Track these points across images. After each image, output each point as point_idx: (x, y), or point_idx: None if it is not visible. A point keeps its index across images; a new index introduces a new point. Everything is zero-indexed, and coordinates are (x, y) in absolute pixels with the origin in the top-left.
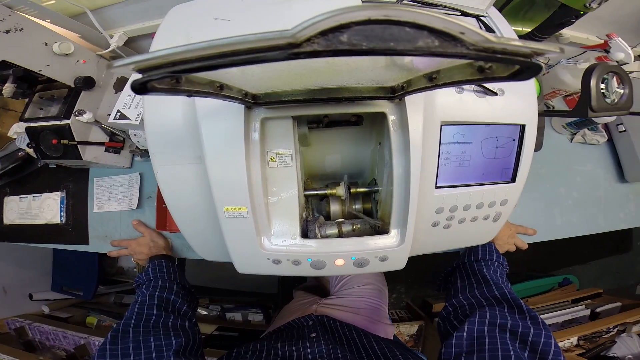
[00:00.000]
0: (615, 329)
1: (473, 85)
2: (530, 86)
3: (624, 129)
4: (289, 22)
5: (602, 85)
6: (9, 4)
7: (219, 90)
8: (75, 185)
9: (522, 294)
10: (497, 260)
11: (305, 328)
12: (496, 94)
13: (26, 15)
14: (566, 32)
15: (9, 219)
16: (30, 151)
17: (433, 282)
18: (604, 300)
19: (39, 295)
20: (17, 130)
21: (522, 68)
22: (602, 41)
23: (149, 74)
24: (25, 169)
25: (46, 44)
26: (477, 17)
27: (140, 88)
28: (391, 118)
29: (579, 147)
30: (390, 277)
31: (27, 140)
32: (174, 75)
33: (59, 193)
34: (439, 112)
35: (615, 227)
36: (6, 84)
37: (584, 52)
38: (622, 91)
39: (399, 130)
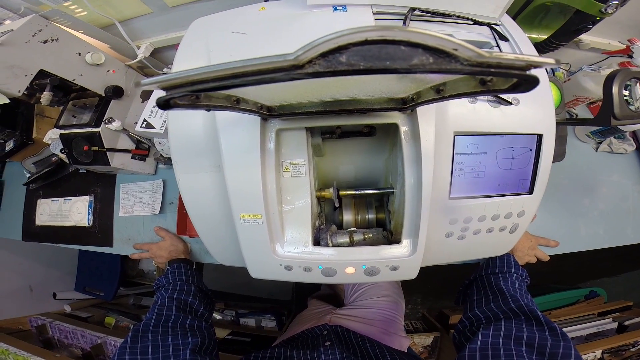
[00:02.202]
0: None
1: (487, 96)
2: (546, 94)
3: None
4: (299, 36)
5: (626, 92)
6: (46, 15)
7: (235, 104)
8: (103, 190)
9: (546, 306)
10: (515, 272)
11: (319, 337)
12: (511, 103)
13: (61, 26)
14: (586, 38)
15: (41, 220)
16: (63, 156)
17: (450, 293)
18: (633, 313)
19: (62, 294)
20: (51, 136)
21: (520, 80)
22: (624, 46)
23: (172, 92)
24: (58, 173)
25: (79, 54)
26: (490, 26)
27: (165, 104)
28: (403, 129)
29: (605, 156)
30: (407, 287)
31: (61, 146)
32: (194, 93)
33: (87, 197)
34: (452, 123)
35: None
36: (44, 92)
37: (607, 57)
38: None
39: (411, 141)
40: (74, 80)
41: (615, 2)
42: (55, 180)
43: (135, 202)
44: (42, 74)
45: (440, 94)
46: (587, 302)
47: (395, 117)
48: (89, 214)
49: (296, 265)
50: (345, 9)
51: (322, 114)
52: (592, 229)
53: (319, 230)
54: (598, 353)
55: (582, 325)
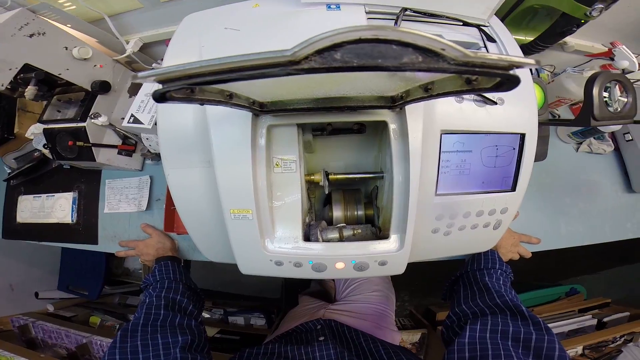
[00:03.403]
0: (622, 339)
1: (473, 95)
2: (530, 95)
3: (630, 138)
4: (293, 33)
5: (606, 94)
6: (33, 8)
7: (228, 99)
8: (87, 186)
9: (527, 303)
10: (499, 268)
11: (313, 332)
12: (496, 103)
13: (48, 20)
14: (571, 40)
15: (22, 217)
16: (46, 152)
17: (436, 290)
18: (611, 310)
19: (44, 294)
20: (34, 131)
21: (503, 80)
22: (607, 49)
23: (168, 85)
24: (40, 169)
25: (66, 48)
26: (479, 27)
27: (160, 97)
28: (392, 126)
29: (585, 156)
30: (394, 285)
31: (44, 141)
32: (189, 87)
33: (71, 193)
34: (439, 121)
35: (622, 237)
36: (28, 87)
37: (590, 60)
38: (625, 99)
39: (399, 138)
40: (59, 74)
41: (600, 6)
42: (37, 176)
43: (121, 198)
44: (27, 68)
45: (428, 92)
46: (568, 299)
47: (385, 115)
48: (72, 211)
49: (286, 261)
50: (339, 7)
51: (314, 110)
52: (572, 226)
53: (309, 226)
54: (579, 349)
55: (564, 321)
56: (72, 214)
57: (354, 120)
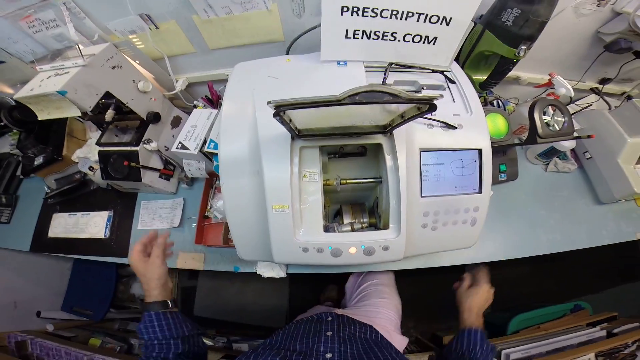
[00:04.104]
0: (635, 345)
1: (439, 123)
2: (481, 122)
3: (589, 156)
4: (315, 82)
5: (548, 117)
6: (117, 44)
7: (289, 122)
8: (123, 206)
9: (532, 321)
10: (480, 348)
11: (323, 323)
12: (456, 127)
13: (125, 56)
14: (524, 74)
15: (54, 232)
16: (91, 174)
17: (441, 317)
18: (620, 322)
19: (47, 313)
20: (79, 155)
21: (430, 106)
22: (547, 80)
23: (278, 107)
24: (78, 190)
25: (134, 81)
26: (442, 73)
27: (275, 114)
28: (385, 147)
29: (554, 175)
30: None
31: (89, 164)
32: (284, 109)
33: (107, 212)
34: (418, 142)
35: (599, 243)
36: (108, 110)
37: (545, 90)
38: (562, 119)
39: (390, 155)
40: (127, 103)
41: (524, 47)
42: (74, 197)
43: (155, 217)
44: (108, 94)
45: (403, 118)
46: (574, 315)
47: (380, 139)
48: (106, 227)
49: (311, 247)
50: (346, 64)
51: (331, 136)
52: (550, 235)
53: (327, 227)
54: (592, 356)
55: (572, 334)
56: (105, 230)
57: (359, 143)
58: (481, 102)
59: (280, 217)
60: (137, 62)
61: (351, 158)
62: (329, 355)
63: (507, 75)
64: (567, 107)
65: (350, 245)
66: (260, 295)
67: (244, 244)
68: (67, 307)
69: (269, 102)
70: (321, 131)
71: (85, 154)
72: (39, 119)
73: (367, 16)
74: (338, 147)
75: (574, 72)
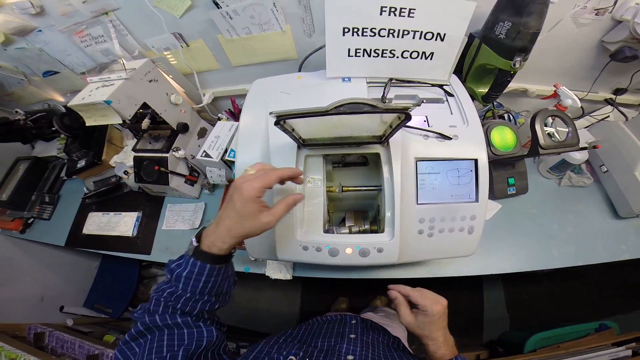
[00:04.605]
0: None
1: (435, 134)
2: (478, 133)
3: (606, 170)
4: (321, 96)
5: (551, 129)
6: (154, 60)
7: (291, 131)
8: (151, 208)
9: (551, 341)
10: None
11: (347, 325)
12: (451, 138)
13: (160, 70)
14: (531, 87)
15: (88, 229)
16: (125, 178)
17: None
18: None
19: (69, 308)
20: (116, 160)
21: (405, 115)
22: (553, 91)
23: (279, 117)
24: (113, 192)
25: (167, 94)
26: (441, 87)
27: (276, 123)
28: (382, 157)
29: (568, 189)
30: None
31: (125, 169)
32: (284, 119)
33: (136, 213)
34: (413, 152)
35: (618, 258)
36: (145, 119)
37: (559, 101)
38: (566, 130)
39: (387, 164)
40: (160, 113)
41: (519, 59)
42: (109, 198)
43: (178, 219)
44: (145, 105)
45: (392, 127)
46: (598, 334)
47: (378, 149)
48: (134, 227)
49: (311, 246)
50: (350, 80)
51: (333, 145)
52: (563, 249)
53: (327, 229)
54: None
55: (594, 353)
56: (133, 229)
57: (359, 152)
58: (489, 116)
59: (285, 218)
60: (171, 76)
61: (354, 167)
62: (350, 357)
63: (514, 88)
64: (582, 119)
65: (347, 246)
66: (271, 304)
67: (253, 243)
68: (89, 303)
69: (271, 113)
70: (323, 141)
71: (122, 160)
72: (86, 124)
73: (367, 36)
74: (341, 157)
75: (583, 82)
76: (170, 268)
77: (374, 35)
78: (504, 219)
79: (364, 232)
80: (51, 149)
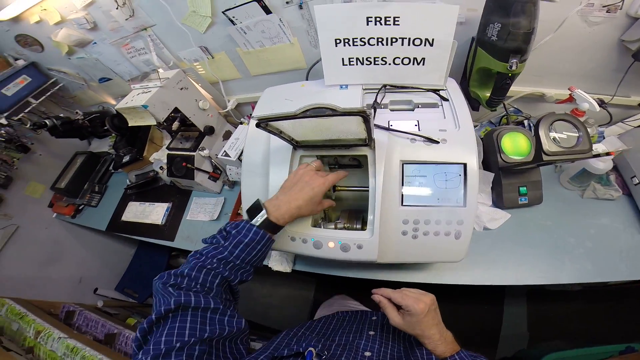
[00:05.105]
0: None
1: (422, 138)
2: (469, 137)
3: (638, 182)
4: (317, 101)
5: (558, 134)
6: (185, 70)
7: (279, 133)
8: (179, 200)
9: None
10: None
11: (367, 322)
12: (438, 142)
13: (190, 79)
14: (548, 91)
15: (126, 217)
16: (161, 172)
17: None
18: None
19: (102, 291)
20: (155, 157)
21: (363, 117)
22: (568, 95)
23: (260, 120)
24: (151, 185)
25: (196, 100)
26: (436, 92)
27: (257, 125)
28: (369, 158)
29: (592, 202)
30: None
31: (161, 164)
32: (264, 122)
33: (167, 204)
34: (399, 154)
35: None
36: (175, 122)
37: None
38: (576, 134)
39: (373, 165)
40: (190, 117)
41: (514, 61)
42: (146, 190)
43: (201, 210)
44: (176, 110)
45: (365, 130)
46: (621, 357)
47: (365, 151)
48: (164, 216)
49: (298, 237)
50: (347, 87)
51: (325, 147)
52: (578, 264)
53: (315, 223)
54: None
55: None
56: (163, 218)
57: (348, 154)
58: (504, 122)
59: None
60: (199, 84)
61: (349, 169)
62: (367, 354)
63: (530, 93)
64: (613, 126)
65: (330, 239)
66: (285, 302)
67: None
68: (120, 287)
69: (252, 117)
70: (315, 143)
71: (160, 157)
72: (129, 125)
73: (357, 45)
74: (334, 159)
75: (607, 86)
76: (231, 233)
77: (364, 44)
78: (514, 230)
79: (350, 229)
80: (104, 145)
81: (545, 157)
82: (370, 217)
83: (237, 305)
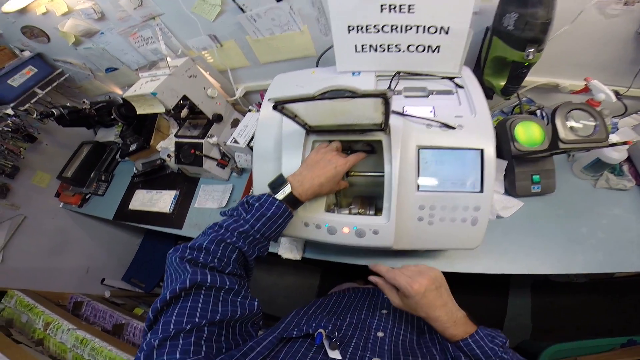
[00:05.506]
0: None
1: (439, 123)
2: (486, 124)
3: None
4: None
5: (575, 123)
6: (193, 58)
7: (294, 117)
8: (187, 188)
9: (572, 353)
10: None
11: (379, 300)
12: (454, 128)
13: (199, 67)
14: (563, 81)
15: (134, 205)
16: (168, 160)
17: None
18: None
19: (109, 281)
20: (162, 145)
21: (385, 99)
22: (584, 85)
23: (276, 102)
24: (157, 172)
25: (204, 88)
26: (451, 79)
27: (274, 108)
28: (384, 144)
29: (605, 192)
30: None
31: (168, 152)
32: (280, 104)
33: (174, 191)
34: (415, 140)
35: None
36: (184, 109)
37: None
38: (593, 124)
39: (388, 150)
40: (198, 105)
41: (531, 50)
42: (154, 178)
43: (209, 198)
44: (185, 97)
45: (383, 115)
46: (623, 349)
47: (380, 136)
48: (171, 204)
49: (311, 223)
50: (360, 74)
51: (339, 132)
52: (590, 254)
53: (329, 209)
54: None
55: None
56: (170, 206)
57: (362, 139)
58: (517, 111)
59: None
60: (208, 72)
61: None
62: (380, 334)
63: (544, 83)
64: (628, 117)
65: (345, 225)
66: (291, 291)
67: None
68: (127, 277)
69: (269, 99)
70: (329, 127)
71: (166, 145)
72: (137, 113)
73: (371, 32)
74: (347, 144)
75: (623, 78)
76: (254, 206)
77: (378, 31)
78: (526, 218)
79: (364, 215)
80: (110, 134)
81: (561, 145)
82: (386, 203)
83: (249, 283)
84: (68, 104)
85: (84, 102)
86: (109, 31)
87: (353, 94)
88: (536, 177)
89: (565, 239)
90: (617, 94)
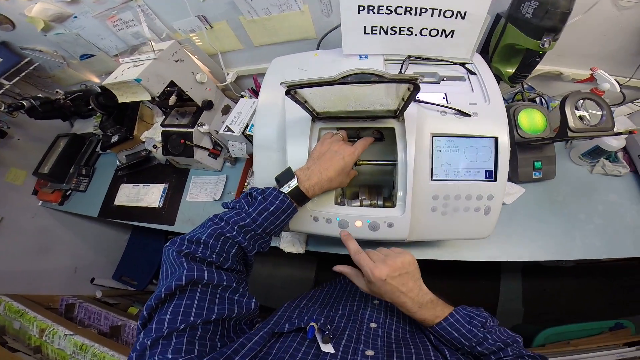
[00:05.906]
0: None
1: (452, 110)
2: (500, 112)
3: None
4: (335, 71)
5: (583, 112)
6: (180, 41)
7: (304, 103)
8: (177, 180)
9: (562, 337)
10: (488, 334)
11: None
12: (469, 115)
13: (186, 51)
14: (566, 70)
15: (119, 200)
16: (154, 151)
17: None
18: None
19: (99, 280)
20: (146, 135)
21: (414, 86)
22: (589, 74)
23: (289, 87)
24: (143, 165)
25: (193, 73)
26: (463, 65)
27: (287, 92)
28: (397, 131)
29: (600, 178)
30: None
31: (154, 143)
32: (294, 89)
33: (163, 184)
34: (429, 127)
35: None
36: (172, 97)
37: (593, 86)
38: (600, 113)
39: (401, 138)
40: (187, 91)
41: (548, 39)
42: (139, 170)
43: (201, 190)
44: (172, 83)
45: (404, 100)
46: (612, 333)
47: (393, 123)
48: (161, 198)
49: (321, 217)
50: (367, 57)
51: (348, 119)
52: (587, 240)
53: (338, 201)
54: None
55: (602, 352)
56: (160, 200)
57: (373, 126)
58: (519, 98)
59: None
60: (196, 57)
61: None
62: (373, 325)
63: (547, 71)
64: (623, 106)
65: (357, 218)
66: (287, 283)
67: None
68: (117, 276)
69: (282, 83)
70: (337, 114)
71: (151, 135)
72: (119, 101)
73: (383, 13)
74: (355, 131)
75: (625, 68)
76: (257, 199)
77: (390, 13)
78: (527, 204)
79: (374, 206)
80: (88, 126)
81: (570, 134)
82: (400, 193)
83: (248, 279)
84: (40, 95)
85: (57, 92)
86: (83, 15)
87: (381, 79)
88: (538, 164)
89: (565, 225)
90: (617, 83)
